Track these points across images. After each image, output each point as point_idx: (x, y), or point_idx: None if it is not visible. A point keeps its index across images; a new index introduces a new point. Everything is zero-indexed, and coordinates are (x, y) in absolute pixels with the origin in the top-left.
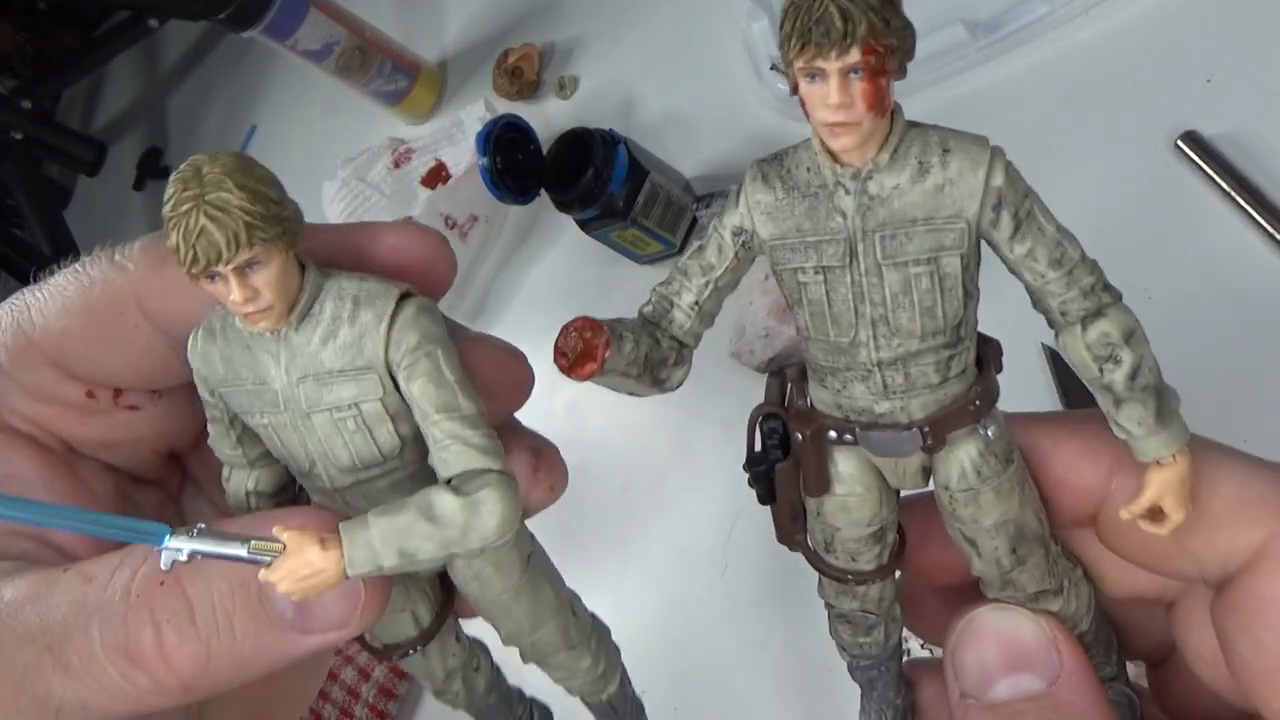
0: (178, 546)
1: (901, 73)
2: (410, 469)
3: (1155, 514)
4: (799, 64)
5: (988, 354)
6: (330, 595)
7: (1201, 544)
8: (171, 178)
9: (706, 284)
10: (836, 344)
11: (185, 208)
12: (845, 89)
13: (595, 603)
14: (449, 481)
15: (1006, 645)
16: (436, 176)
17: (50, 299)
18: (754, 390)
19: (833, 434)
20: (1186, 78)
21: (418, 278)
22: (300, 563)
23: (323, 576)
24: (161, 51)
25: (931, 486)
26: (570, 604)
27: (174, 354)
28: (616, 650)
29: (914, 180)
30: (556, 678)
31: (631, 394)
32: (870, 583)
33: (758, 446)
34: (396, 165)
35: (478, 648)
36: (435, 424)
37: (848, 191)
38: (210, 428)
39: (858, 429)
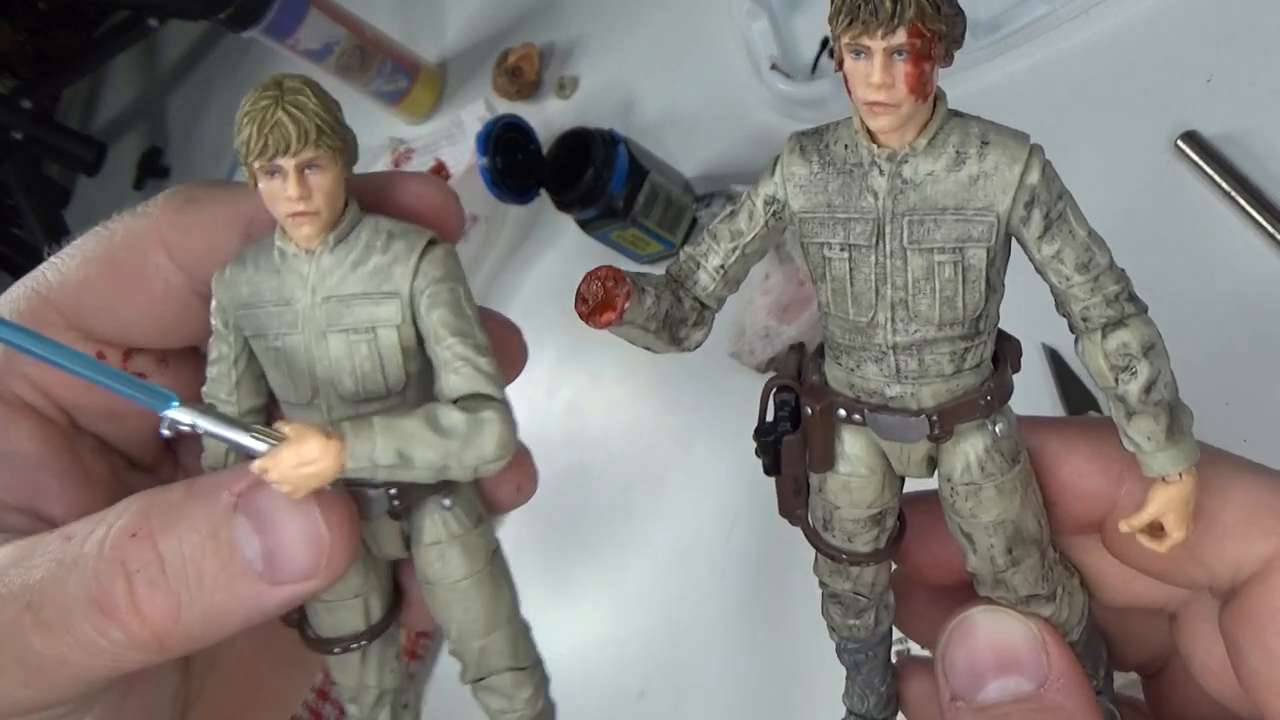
0: (183, 418)
1: (948, 60)
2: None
3: (1156, 530)
4: (845, 39)
5: (1005, 351)
6: (297, 544)
7: (1211, 553)
8: (254, 88)
9: (734, 249)
10: (855, 323)
11: (264, 103)
12: (889, 69)
13: (595, 602)
14: (455, 402)
15: (996, 646)
16: (436, 176)
17: (70, 255)
18: (754, 390)
19: (842, 412)
20: (1186, 78)
21: (432, 225)
22: (297, 451)
23: (318, 467)
24: (161, 51)
25: (935, 478)
26: (525, 626)
27: (194, 301)
28: (554, 707)
29: (949, 169)
30: (493, 708)
31: (648, 348)
32: (864, 565)
33: (769, 417)
34: (397, 165)
35: (413, 687)
36: (448, 346)
37: (882, 172)
38: (210, 369)
39: (867, 410)
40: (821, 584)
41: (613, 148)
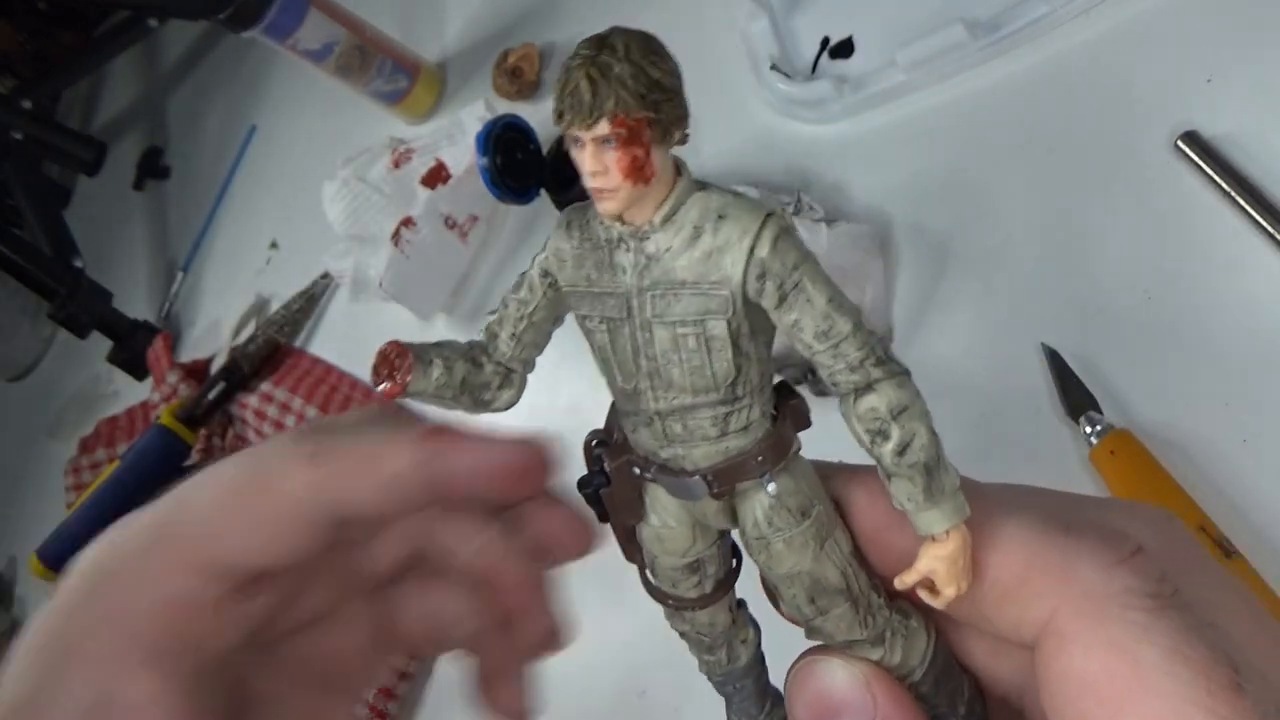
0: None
1: (670, 141)
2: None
3: (931, 586)
4: (563, 131)
5: (785, 411)
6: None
7: (995, 614)
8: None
9: (521, 318)
10: (623, 389)
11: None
12: (599, 157)
13: (597, 603)
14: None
15: (820, 695)
16: (436, 176)
17: (202, 483)
18: None
19: (636, 470)
20: (1186, 78)
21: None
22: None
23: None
24: (161, 51)
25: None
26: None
27: (322, 531)
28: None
29: (687, 244)
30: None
31: (465, 411)
32: (692, 609)
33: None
34: (396, 165)
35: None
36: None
37: (628, 249)
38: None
39: (654, 469)
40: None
41: None
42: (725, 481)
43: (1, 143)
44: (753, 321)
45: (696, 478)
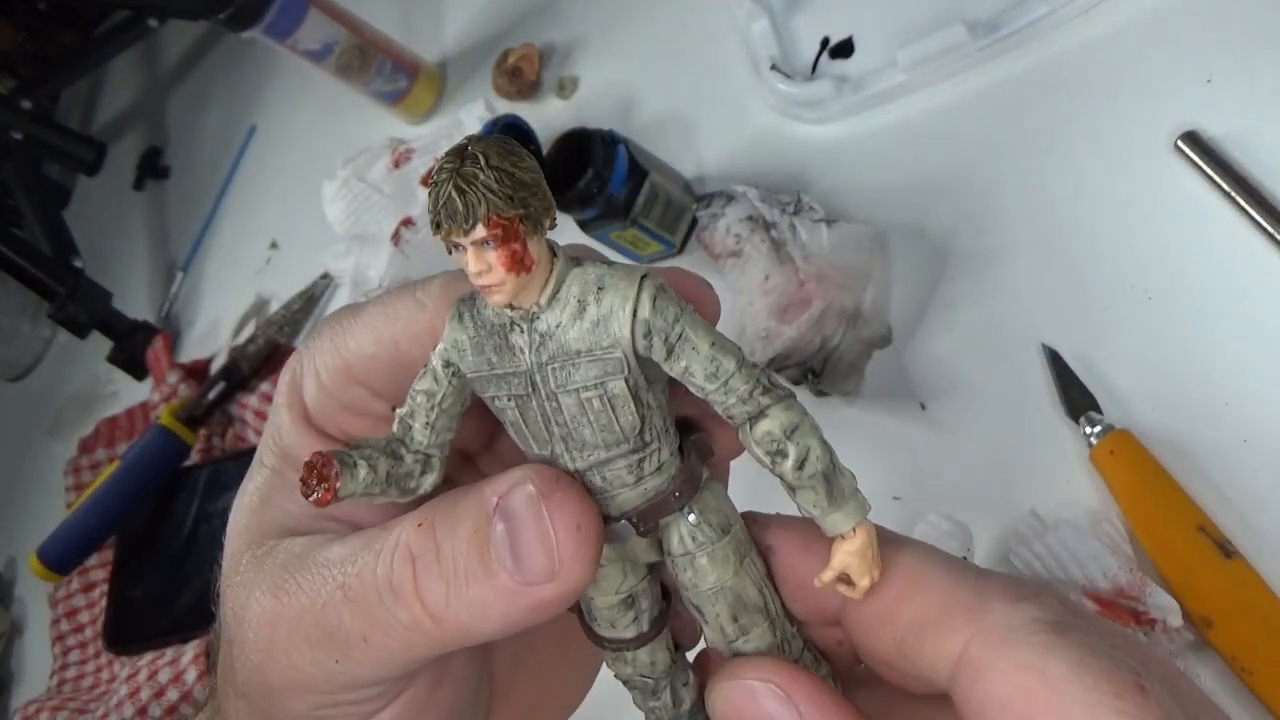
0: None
1: (541, 230)
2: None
3: (849, 581)
4: (441, 239)
5: (689, 446)
6: (533, 545)
7: (913, 653)
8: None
9: (432, 407)
10: (540, 456)
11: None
12: (481, 258)
13: None
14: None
15: (742, 713)
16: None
17: (363, 329)
18: None
19: None
20: (1186, 78)
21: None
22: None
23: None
24: (161, 51)
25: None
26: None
27: None
28: None
29: (574, 318)
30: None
31: (394, 500)
32: (632, 649)
33: None
34: (396, 165)
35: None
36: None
37: (522, 331)
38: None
39: None
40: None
41: (613, 148)
42: (649, 519)
43: (1, 143)
44: (647, 374)
45: (623, 521)
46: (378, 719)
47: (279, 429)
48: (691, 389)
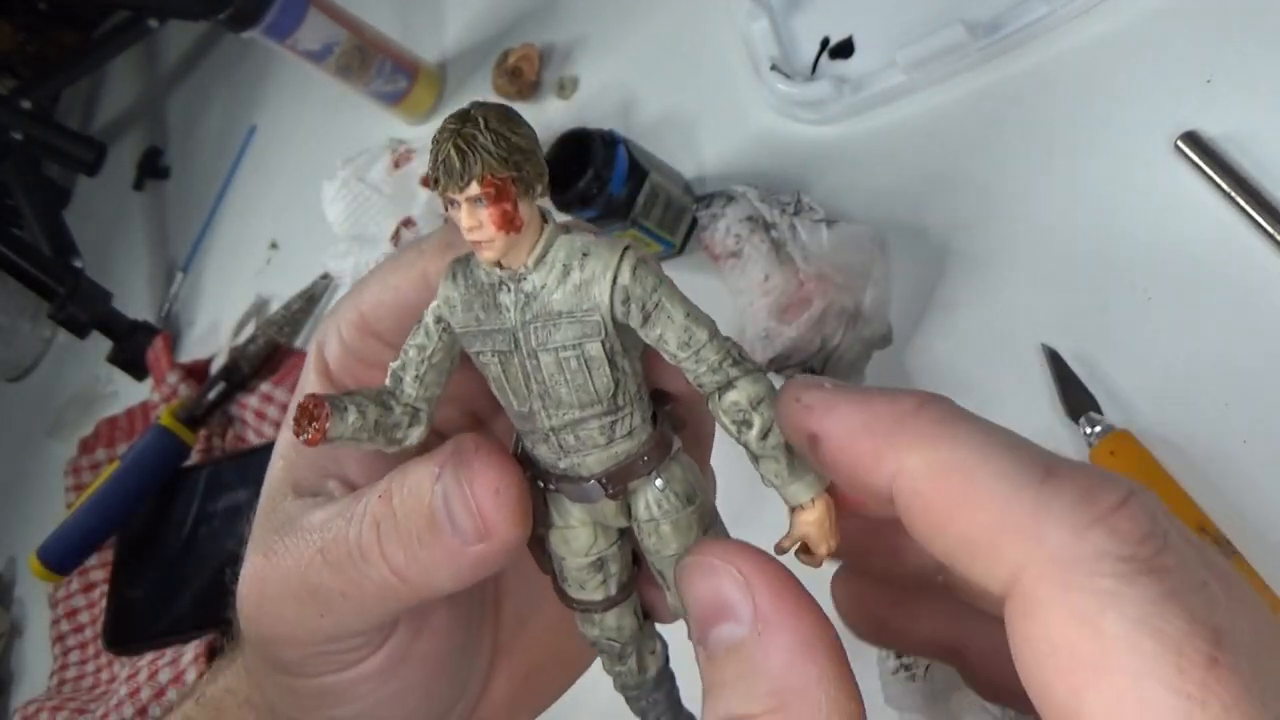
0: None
1: (533, 194)
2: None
3: (806, 549)
4: (438, 194)
5: (662, 415)
6: (460, 508)
7: (967, 572)
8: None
9: (421, 361)
10: (519, 412)
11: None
12: (474, 214)
13: None
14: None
15: (709, 593)
16: None
17: (375, 280)
18: None
19: (540, 483)
20: (1186, 78)
21: None
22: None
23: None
24: (161, 51)
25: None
26: None
27: None
28: None
29: (559, 281)
30: None
31: (380, 449)
32: (599, 611)
33: None
34: (396, 165)
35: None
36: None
37: (509, 290)
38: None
39: (554, 479)
40: (581, 635)
41: (613, 148)
42: (618, 482)
43: (1, 143)
44: (624, 340)
45: (593, 482)
46: (364, 665)
47: (302, 388)
48: (665, 356)
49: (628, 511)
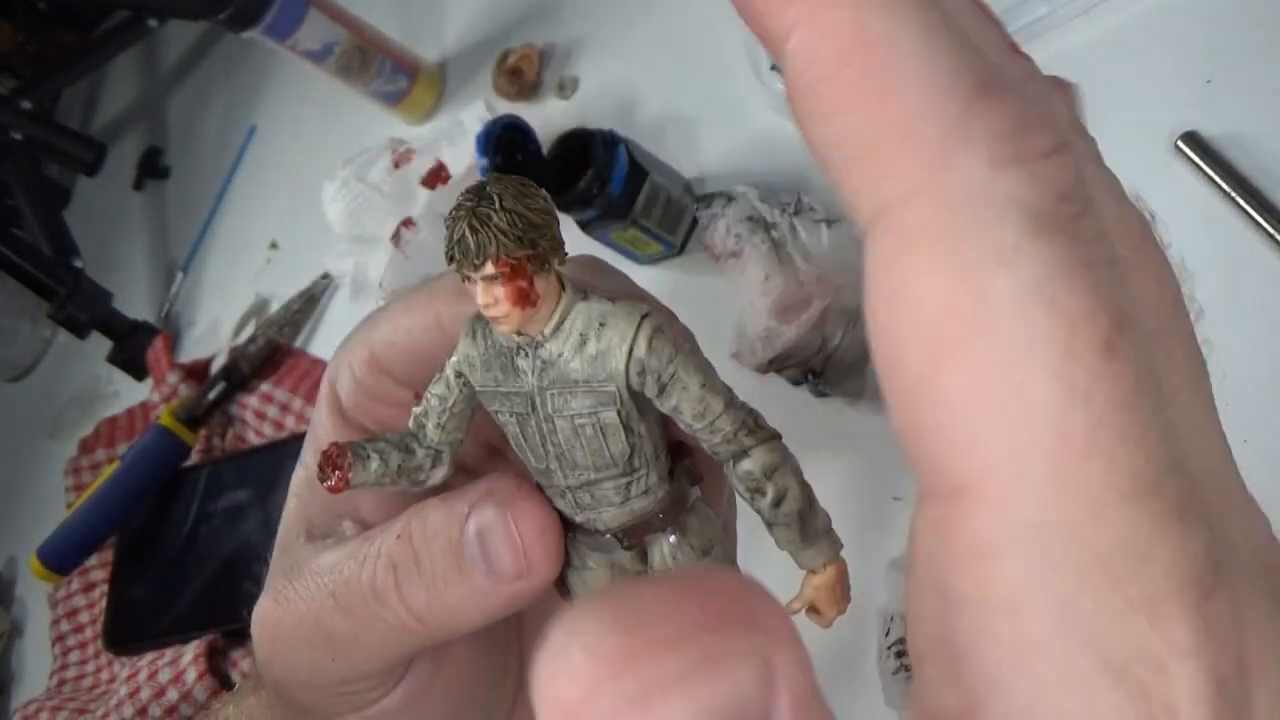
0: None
1: (550, 268)
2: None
3: (816, 610)
4: (454, 272)
5: (679, 470)
6: (502, 548)
7: (839, 179)
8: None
9: (443, 410)
10: (537, 469)
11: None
12: (489, 291)
13: None
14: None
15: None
16: (436, 177)
17: (385, 320)
18: (755, 392)
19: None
20: (1186, 78)
21: None
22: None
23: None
24: (161, 51)
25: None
26: None
27: None
28: None
29: (576, 350)
30: None
31: (405, 490)
32: None
33: None
34: (396, 165)
35: None
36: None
37: (527, 355)
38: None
39: (572, 529)
40: None
41: (613, 148)
42: (634, 537)
43: (1, 143)
44: (639, 406)
45: (609, 535)
46: (384, 703)
47: (317, 427)
48: (680, 425)
49: (644, 558)
